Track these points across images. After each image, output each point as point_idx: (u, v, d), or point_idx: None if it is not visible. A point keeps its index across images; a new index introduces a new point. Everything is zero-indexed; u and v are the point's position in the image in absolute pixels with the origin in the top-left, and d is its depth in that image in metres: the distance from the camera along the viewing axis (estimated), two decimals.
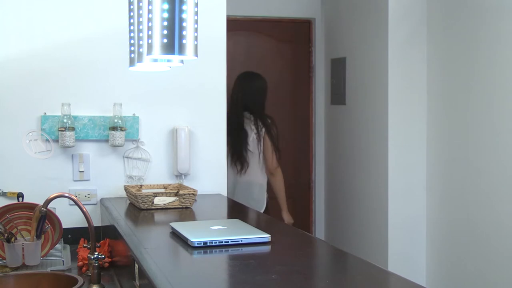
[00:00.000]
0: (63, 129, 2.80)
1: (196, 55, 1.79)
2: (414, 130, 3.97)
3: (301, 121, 5.17)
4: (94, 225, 2.24)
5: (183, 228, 2.02)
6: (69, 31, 2.89)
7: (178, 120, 3.03)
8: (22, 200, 2.69)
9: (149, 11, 1.77)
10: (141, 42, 2.10)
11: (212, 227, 2.03)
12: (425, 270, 3.99)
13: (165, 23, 1.73)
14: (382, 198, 4.00)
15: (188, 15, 1.74)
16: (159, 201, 2.59)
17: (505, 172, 3.35)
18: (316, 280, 1.53)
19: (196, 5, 1.78)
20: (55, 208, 2.62)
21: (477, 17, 3.55)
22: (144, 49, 2.06)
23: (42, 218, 2.23)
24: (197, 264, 1.80)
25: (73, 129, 2.82)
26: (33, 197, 2.61)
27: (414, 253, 3.98)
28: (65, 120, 2.80)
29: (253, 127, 3.95)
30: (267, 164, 4.01)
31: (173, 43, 1.73)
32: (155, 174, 3.00)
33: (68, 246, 2.71)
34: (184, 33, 1.74)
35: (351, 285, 1.52)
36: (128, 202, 2.78)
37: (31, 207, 2.43)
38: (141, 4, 2.08)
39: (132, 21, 2.25)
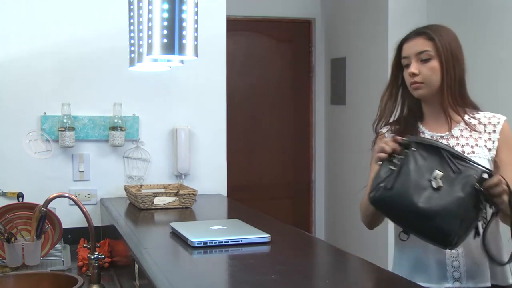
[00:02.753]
0: (63, 129, 2.80)
1: (196, 55, 1.79)
2: None
3: (301, 121, 5.17)
4: (94, 225, 2.23)
5: (183, 228, 2.02)
6: (69, 31, 2.88)
7: (178, 120, 3.03)
8: (22, 200, 2.69)
9: (149, 11, 1.77)
10: (141, 42, 2.10)
11: (212, 227, 2.03)
12: None
13: (165, 23, 1.73)
14: None
15: (188, 15, 1.74)
16: (159, 201, 2.59)
17: None
18: (316, 280, 1.53)
19: (196, 5, 1.78)
20: (55, 208, 2.62)
21: (477, 17, 3.55)
22: (144, 49, 2.06)
23: (42, 218, 2.23)
24: (197, 264, 1.80)
25: (73, 129, 2.82)
26: (33, 197, 2.61)
27: None
28: (65, 120, 2.80)
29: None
30: None
31: (173, 43, 1.73)
32: (155, 174, 3.00)
33: (68, 246, 2.71)
34: (184, 33, 1.74)
35: (351, 285, 1.52)
36: (128, 202, 2.78)
37: (31, 207, 2.43)
38: (141, 4, 2.08)
39: (132, 21, 2.26)
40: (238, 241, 1.87)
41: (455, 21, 3.75)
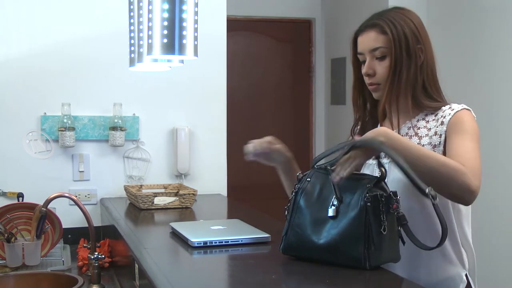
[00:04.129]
0: (63, 129, 2.80)
1: (196, 55, 1.79)
2: None
3: (301, 121, 5.17)
4: (94, 225, 2.23)
5: (183, 228, 2.02)
6: (69, 31, 2.88)
7: (178, 120, 3.03)
8: (22, 200, 2.69)
9: (149, 11, 1.77)
10: (141, 42, 2.10)
11: (212, 227, 2.03)
12: None
13: (165, 23, 1.73)
14: None
15: (188, 15, 1.74)
16: (159, 201, 2.59)
17: (505, 172, 3.35)
18: (316, 280, 1.53)
19: (196, 5, 1.78)
20: (55, 208, 2.62)
21: (477, 17, 3.55)
22: (144, 49, 2.06)
23: (42, 218, 2.23)
24: (197, 264, 1.80)
25: (73, 129, 2.82)
26: (33, 197, 2.61)
27: None
28: (65, 120, 2.80)
29: None
30: None
31: (173, 43, 1.73)
32: (155, 174, 3.00)
33: (68, 246, 2.71)
34: (184, 33, 1.74)
35: (351, 285, 1.52)
36: (128, 202, 2.78)
37: (31, 207, 2.43)
38: (141, 4, 2.08)
39: (132, 21, 2.26)
40: (238, 241, 1.87)
41: (456, 21, 3.75)
